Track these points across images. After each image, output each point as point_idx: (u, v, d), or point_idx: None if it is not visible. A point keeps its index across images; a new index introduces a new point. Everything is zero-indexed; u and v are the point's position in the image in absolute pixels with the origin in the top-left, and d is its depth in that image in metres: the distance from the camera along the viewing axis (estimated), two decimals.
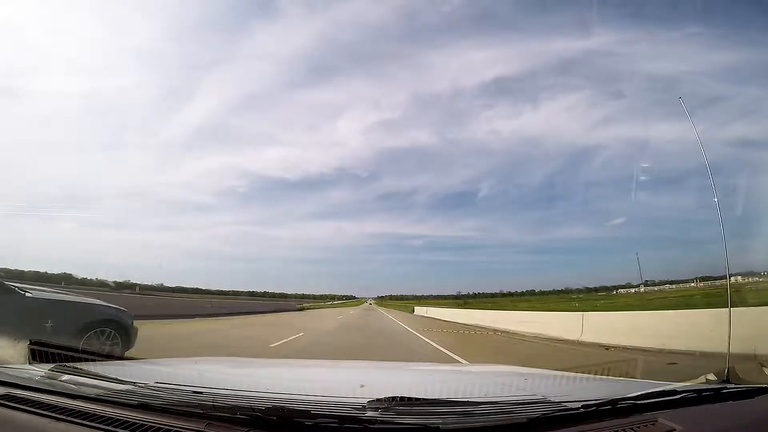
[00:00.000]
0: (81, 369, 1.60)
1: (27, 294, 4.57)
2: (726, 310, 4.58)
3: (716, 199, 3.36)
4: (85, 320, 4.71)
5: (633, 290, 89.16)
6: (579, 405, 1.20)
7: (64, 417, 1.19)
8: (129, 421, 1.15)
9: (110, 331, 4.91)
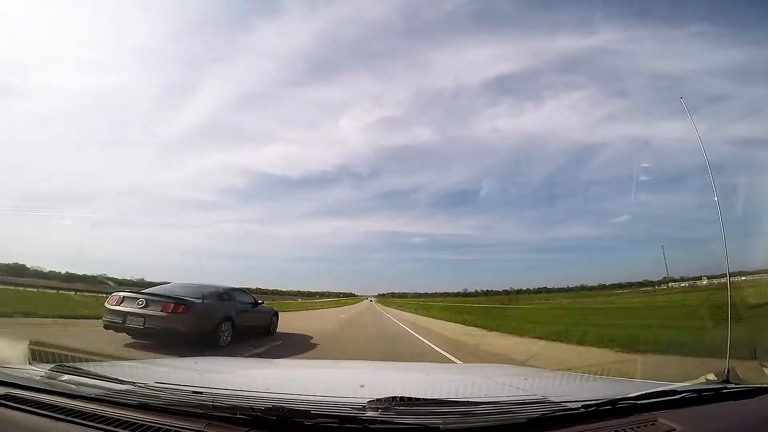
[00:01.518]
0: (81, 369, 1.60)
1: (263, 304, 9.63)
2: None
3: (716, 198, 3.34)
4: (273, 313, 9.93)
5: (685, 284, 68.29)
6: (579, 405, 1.20)
7: (64, 417, 1.19)
8: (129, 421, 1.15)
9: (275, 318, 9.94)
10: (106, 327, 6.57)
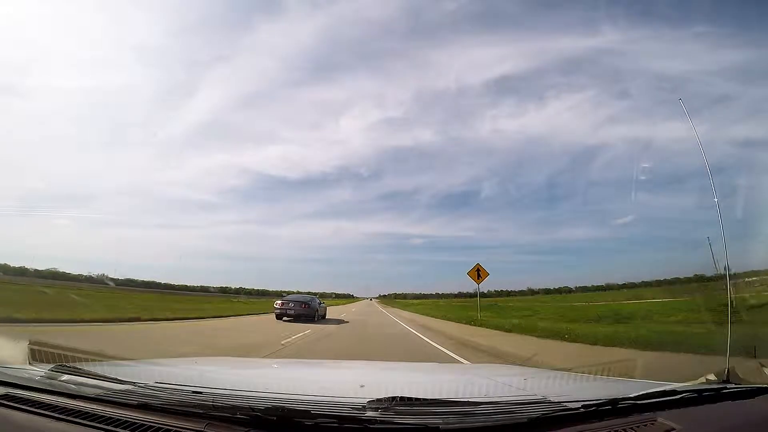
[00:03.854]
0: (81, 369, 1.60)
1: (323, 303, 20.73)
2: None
3: (716, 200, 3.35)
4: (325, 307, 20.56)
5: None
6: (579, 405, 1.20)
7: (64, 417, 1.19)
8: (129, 421, 1.15)
9: (326, 310, 20.48)
10: (275, 315, 16.51)
